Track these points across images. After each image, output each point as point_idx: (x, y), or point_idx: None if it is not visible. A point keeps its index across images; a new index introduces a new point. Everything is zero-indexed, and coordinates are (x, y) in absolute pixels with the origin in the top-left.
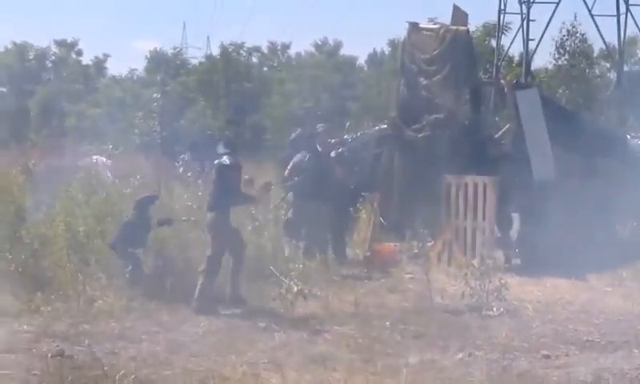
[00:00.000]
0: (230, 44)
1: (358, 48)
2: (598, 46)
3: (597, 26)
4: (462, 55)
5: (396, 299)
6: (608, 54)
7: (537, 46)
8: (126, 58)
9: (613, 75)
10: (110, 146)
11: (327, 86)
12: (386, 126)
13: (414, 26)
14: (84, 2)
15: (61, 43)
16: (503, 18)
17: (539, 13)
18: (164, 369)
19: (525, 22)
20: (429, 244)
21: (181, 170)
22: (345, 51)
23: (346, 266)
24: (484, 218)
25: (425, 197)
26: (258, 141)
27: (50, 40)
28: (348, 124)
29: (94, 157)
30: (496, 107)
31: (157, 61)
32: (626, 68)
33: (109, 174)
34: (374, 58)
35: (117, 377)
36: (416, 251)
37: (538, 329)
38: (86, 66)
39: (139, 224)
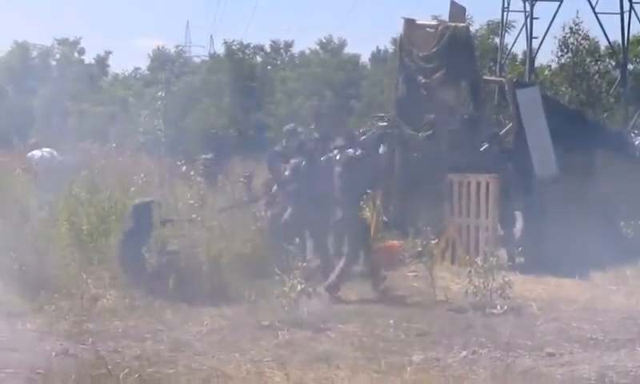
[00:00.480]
0: (234, 42)
1: (362, 46)
2: (602, 44)
3: (600, 24)
4: (462, 52)
5: (400, 297)
6: (612, 52)
7: (540, 43)
8: (129, 57)
9: (617, 73)
10: (114, 145)
11: (330, 84)
12: (385, 123)
13: (410, 23)
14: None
15: (63, 42)
16: (507, 16)
17: (543, 11)
18: (168, 367)
19: (528, 20)
20: (432, 242)
21: (184, 168)
22: (349, 50)
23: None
24: (487, 216)
25: (427, 195)
26: (261, 138)
27: (51, 39)
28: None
29: (34, 152)
30: (499, 105)
31: (160, 59)
32: (630, 66)
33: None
34: (378, 57)
35: (121, 375)
36: (419, 249)
37: (541, 327)
38: (89, 65)
39: (140, 232)
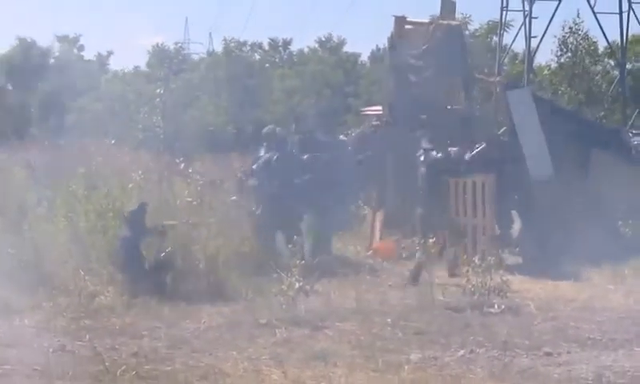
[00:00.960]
0: (232, 40)
1: (362, 45)
2: (601, 43)
3: (599, 24)
4: (454, 50)
5: (397, 296)
6: (611, 52)
7: (539, 43)
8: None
9: (616, 73)
10: (113, 141)
11: (329, 83)
12: (377, 123)
13: (401, 21)
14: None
15: (63, 39)
16: (506, 15)
17: (541, 10)
18: (165, 365)
19: (527, 20)
20: (430, 241)
21: (182, 165)
22: (348, 48)
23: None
24: (484, 216)
25: (423, 194)
26: (259, 135)
27: (52, 36)
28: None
29: None
30: (498, 105)
31: (159, 56)
32: (629, 66)
33: None
34: (377, 55)
35: (118, 372)
36: (417, 248)
37: (539, 326)
38: (89, 62)
39: (135, 238)
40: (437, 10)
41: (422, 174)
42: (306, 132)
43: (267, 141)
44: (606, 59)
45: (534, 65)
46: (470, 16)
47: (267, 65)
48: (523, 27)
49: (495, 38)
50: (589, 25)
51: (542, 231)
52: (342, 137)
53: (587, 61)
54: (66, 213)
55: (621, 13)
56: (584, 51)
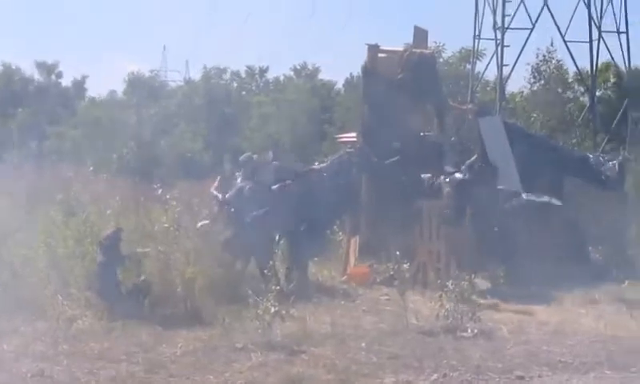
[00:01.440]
0: (213, 68)
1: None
2: (572, 70)
3: (570, 52)
4: (427, 77)
5: (372, 320)
6: (581, 79)
7: (511, 71)
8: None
9: (586, 99)
10: (91, 168)
11: (305, 110)
12: (352, 150)
13: (374, 49)
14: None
15: (41, 65)
16: (478, 44)
17: (514, 39)
18: None
19: (499, 48)
20: (404, 266)
21: (159, 191)
22: (323, 76)
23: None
24: (458, 242)
25: (396, 220)
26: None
27: (32, 61)
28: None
29: None
30: (470, 132)
31: (135, 84)
32: (598, 92)
33: None
34: (351, 83)
35: None
36: (391, 273)
37: (511, 350)
38: (66, 88)
39: (111, 263)
40: (410, 39)
41: (446, 193)
42: (282, 160)
43: (244, 168)
44: (576, 86)
45: (506, 92)
46: (444, 44)
47: (244, 92)
48: (495, 56)
49: (468, 66)
50: (560, 52)
51: (514, 255)
52: (316, 164)
53: (559, 89)
54: (44, 238)
55: (591, 41)
56: (556, 79)
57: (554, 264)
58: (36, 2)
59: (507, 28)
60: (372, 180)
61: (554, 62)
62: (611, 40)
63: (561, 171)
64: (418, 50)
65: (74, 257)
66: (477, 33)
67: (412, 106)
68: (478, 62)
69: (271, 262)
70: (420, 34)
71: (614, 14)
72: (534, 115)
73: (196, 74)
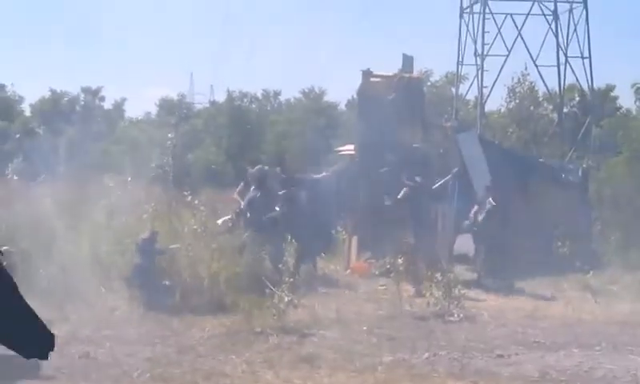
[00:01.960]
0: (235, 91)
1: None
2: (542, 90)
3: (540, 75)
4: (415, 99)
5: (372, 307)
6: (550, 98)
7: (489, 92)
8: (141, 103)
9: (554, 116)
10: (129, 179)
11: (312, 127)
12: (350, 161)
13: (367, 74)
14: (108, 52)
15: (86, 90)
16: (461, 69)
17: (492, 64)
18: (174, 368)
19: (479, 72)
20: (399, 261)
21: (189, 198)
22: (328, 98)
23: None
24: (444, 239)
25: (392, 221)
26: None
27: (78, 86)
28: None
29: None
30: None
31: (166, 107)
32: (565, 110)
33: None
34: (353, 103)
35: (134, 375)
36: (388, 267)
37: (492, 332)
38: (108, 110)
39: (147, 261)
40: (400, 64)
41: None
42: (290, 172)
43: (257, 179)
44: (546, 104)
45: (485, 110)
46: (432, 69)
47: (260, 112)
48: (476, 79)
49: (453, 88)
50: (533, 76)
51: (494, 252)
52: (318, 175)
53: (532, 107)
54: (90, 238)
55: (558, 65)
56: (529, 98)
57: (527, 259)
58: (83, 38)
59: (486, 55)
60: (368, 186)
61: (527, 83)
62: (576, 64)
63: (526, 176)
64: (407, 75)
65: (114, 254)
66: (460, 59)
67: (402, 122)
68: (461, 84)
69: (284, 258)
70: (407, 61)
71: (579, 42)
72: (510, 130)
73: (220, 96)
